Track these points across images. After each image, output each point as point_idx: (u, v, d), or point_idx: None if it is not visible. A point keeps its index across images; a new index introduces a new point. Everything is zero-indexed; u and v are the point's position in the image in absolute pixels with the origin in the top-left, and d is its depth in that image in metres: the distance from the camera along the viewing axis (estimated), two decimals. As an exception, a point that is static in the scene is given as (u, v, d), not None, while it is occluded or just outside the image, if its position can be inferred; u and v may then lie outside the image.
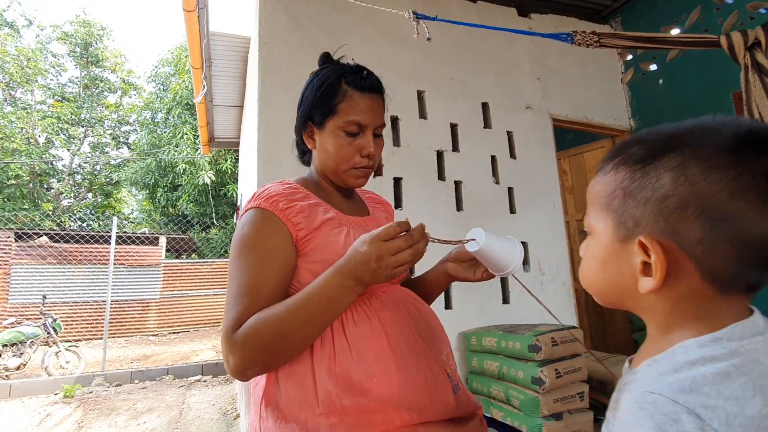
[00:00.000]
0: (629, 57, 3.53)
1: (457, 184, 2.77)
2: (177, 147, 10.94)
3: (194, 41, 3.25)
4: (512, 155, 3.01)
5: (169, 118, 11.98)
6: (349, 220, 0.80)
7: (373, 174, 2.48)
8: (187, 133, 10.62)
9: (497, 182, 2.90)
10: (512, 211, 2.93)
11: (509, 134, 3.03)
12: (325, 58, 0.86)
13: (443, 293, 2.58)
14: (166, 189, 11.62)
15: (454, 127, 2.84)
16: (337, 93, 0.77)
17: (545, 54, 3.25)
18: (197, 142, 9.73)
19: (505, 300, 2.79)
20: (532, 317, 2.79)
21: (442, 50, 2.87)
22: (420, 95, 2.77)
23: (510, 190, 2.94)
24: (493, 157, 2.93)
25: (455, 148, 2.81)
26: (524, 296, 2.82)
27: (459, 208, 2.75)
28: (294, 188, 0.77)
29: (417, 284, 0.90)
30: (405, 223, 0.63)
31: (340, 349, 0.67)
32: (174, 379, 5.11)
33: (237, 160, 8.45)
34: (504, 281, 2.82)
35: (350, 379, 0.65)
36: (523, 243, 2.90)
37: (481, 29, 2.92)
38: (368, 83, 0.80)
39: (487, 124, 2.97)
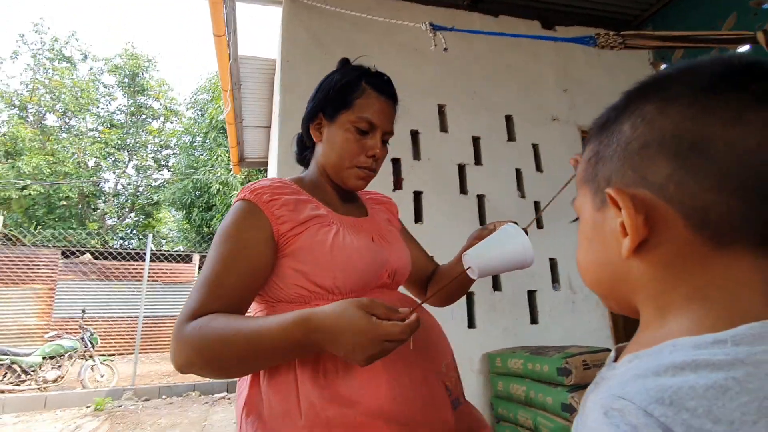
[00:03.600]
0: (663, 66, 3.38)
1: (480, 198, 2.69)
2: (212, 168, 11.40)
3: (224, 64, 3.39)
4: (538, 168, 2.90)
5: (206, 141, 12.57)
6: (342, 219, 0.75)
7: (393, 188, 2.46)
8: (221, 155, 11.08)
9: (522, 196, 2.80)
10: (539, 226, 2.80)
11: (535, 147, 2.93)
12: (344, 63, 0.86)
13: (466, 312, 2.47)
14: (201, 209, 12.08)
15: (476, 141, 2.78)
16: (356, 89, 0.77)
17: (571, 65, 3.16)
18: (230, 163, 10.11)
19: (534, 320, 2.64)
20: (564, 339, 2.62)
21: (463, 64, 2.85)
22: (441, 109, 2.75)
23: (536, 204, 2.83)
24: (518, 171, 2.84)
25: (478, 162, 2.74)
26: (555, 316, 2.66)
27: (482, 222, 2.66)
28: (284, 184, 0.75)
29: (446, 278, 0.85)
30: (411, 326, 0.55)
31: (327, 358, 0.62)
32: (200, 395, 5.15)
33: (267, 180, 8.68)
34: (532, 300, 2.68)
35: (336, 391, 0.60)
36: (551, 260, 2.76)
37: (503, 43, 2.90)
38: (387, 88, 0.80)
39: (511, 136, 2.89)
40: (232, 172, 10.37)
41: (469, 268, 0.69)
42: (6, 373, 4.98)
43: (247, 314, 0.64)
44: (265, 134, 5.21)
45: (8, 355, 5.06)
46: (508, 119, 2.92)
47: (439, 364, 0.67)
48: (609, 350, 2.07)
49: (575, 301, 2.73)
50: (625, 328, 3.31)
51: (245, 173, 10.18)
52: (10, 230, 8.33)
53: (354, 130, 0.76)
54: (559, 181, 3.43)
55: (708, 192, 0.29)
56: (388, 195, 2.51)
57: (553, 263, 2.75)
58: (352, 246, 0.70)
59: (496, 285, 2.60)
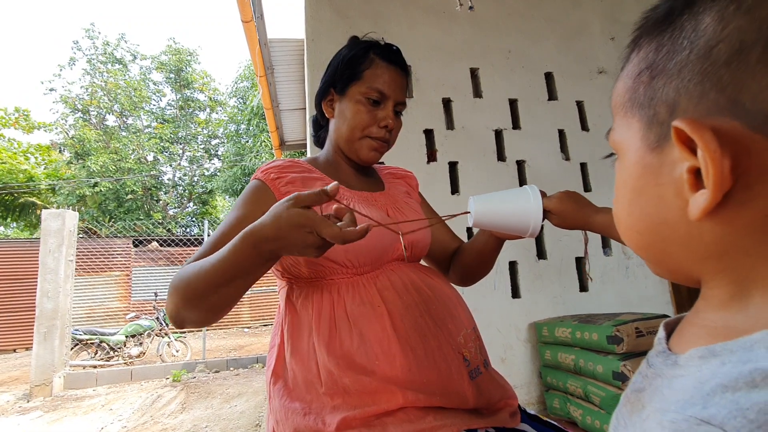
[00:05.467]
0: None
1: (520, 163, 2.58)
2: (257, 154, 11.81)
3: (254, 50, 3.44)
4: (584, 127, 2.72)
5: (250, 128, 12.99)
6: (354, 194, 0.75)
7: (427, 161, 2.42)
8: (264, 141, 11.42)
9: (567, 158, 2.64)
10: (587, 188, 2.65)
11: (579, 104, 2.74)
12: (353, 39, 0.84)
13: (509, 281, 2.42)
14: (251, 194, 12.66)
15: (513, 103, 2.64)
16: (363, 60, 0.76)
17: (619, 9, 2.88)
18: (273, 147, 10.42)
19: (583, 288, 2.53)
20: (617, 306, 2.50)
21: (496, 22, 2.68)
22: (474, 73, 2.62)
23: (583, 166, 2.67)
24: (561, 132, 2.67)
25: (516, 126, 2.61)
26: (607, 283, 2.54)
27: (523, 189, 2.55)
28: (295, 163, 0.76)
29: (466, 252, 0.83)
30: (332, 190, 0.51)
31: (342, 330, 0.64)
32: (263, 367, 5.53)
33: (309, 161, 8.89)
34: (581, 267, 2.57)
35: (352, 361, 0.62)
36: (601, 224, 2.60)
37: (539, -8, 2.68)
38: (395, 57, 0.78)
39: (552, 95, 2.72)
40: (275, 156, 10.70)
41: (469, 213, 0.67)
42: (97, 350, 5.63)
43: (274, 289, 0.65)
44: (301, 116, 5.28)
45: (97, 335, 5.70)
46: (548, 77, 2.73)
47: (457, 335, 0.67)
48: (666, 316, 1.95)
49: (629, 266, 2.58)
50: (689, 292, 3.09)
51: (288, 156, 10.46)
52: (88, 224, 9.22)
53: (365, 101, 0.75)
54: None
55: None
56: (422, 168, 2.46)
57: (603, 227, 2.60)
58: (362, 221, 0.69)
59: (541, 253, 2.51)
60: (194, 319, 0.60)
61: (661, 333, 0.29)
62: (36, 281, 4.99)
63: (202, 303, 0.58)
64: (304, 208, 0.51)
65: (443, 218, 0.71)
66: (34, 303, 4.91)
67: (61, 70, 16.67)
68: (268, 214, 0.53)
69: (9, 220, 13.97)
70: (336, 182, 0.52)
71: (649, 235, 0.28)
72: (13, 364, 6.88)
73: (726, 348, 0.22)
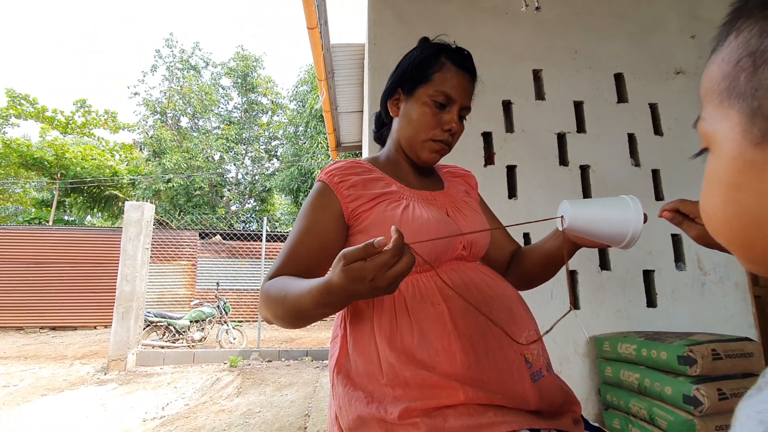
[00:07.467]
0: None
1: (584, 168, 2.46)
2: (313, 155, 12.23)
3: (318, 55, 3.58)
4: (657, 131, 2.54)
5: (308, 130, 13.50)
6: (414, 194, 0.76)
7: (484, 164, 2.38)
8: (321, 142, 11.81)
9: (637, 164, 2.48)
10: (659, 197, 2.47)
11: (652, 107, 2.56)
12: (424, 41, 0.86)
13: (568, 292, 2.31)
14: (305, 193, 13.14)
15: (578, 106, 2.52)
16: (434, 63, 0.77)
17: (699, 5, 2.65)
18: (329, 149, 10.73)
19: (651, 303, 2.36)
20: (690, 325, 2.30)
21: (561, 22, 2.58)
22: (536, 75, 2.54)
23: (655, 172, 2.49)
24: (630, 136, 2.51)
25: (581, 129, 2.50)
26: (678, 300, 2.35)
27: (587, 195, 2.43)
28: (356, 164, 0.78)
29: (531, 255, 0.81)
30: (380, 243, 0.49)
31: (403, 326, 0.65)
32: (312, 360, 5.72)
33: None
34: (649, 281, 2.39)
35: (413, 356, 0.63)
36: (674, 236, 2.42)
37: (611, -11, 2.55)
38: (466, 63, 0.79)
39: (621, 97, 2.56)
40: (331, 158, 11.01)
41: (561, 217, 0.66)
42: (164, 332, 6.13)
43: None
44: (358, 118, 5.40)
45: (166, 318, 6.20)
46: (618, 78, 2.58)
47: (518, 336, 0.66)
48: (749, 339, 1.77)
49: (705, 282, 2.37)
50: (776, 315, 2.78)
51: (342, 158, 10.72)
52: (161, 217, 10.06)
53: (431, 103, 0.76)
54: (685, 144, 2.98)
55: None
56: (479, 171, 2.43)
57: (676, 240, 2.41)
58: (422, 219, 0.70)
59: (604, 264, 2.37)
60: (286, 328, 0.66)
61: None
62: (115, 266, 5.54)
63: (284, 321, 0.64)
64: (352, 264, 0.49)
65: (536, 221, 0.70)
66: (113, 285, 5.45)
67: (144, 76, 18.39)
68: (331, 273, 0.53)
69: (95, 210, 15.60)
70: (382, 238, 0.49)
71: (747, 233, 0.26)
72: (93, 339, 7.67)
73: None
